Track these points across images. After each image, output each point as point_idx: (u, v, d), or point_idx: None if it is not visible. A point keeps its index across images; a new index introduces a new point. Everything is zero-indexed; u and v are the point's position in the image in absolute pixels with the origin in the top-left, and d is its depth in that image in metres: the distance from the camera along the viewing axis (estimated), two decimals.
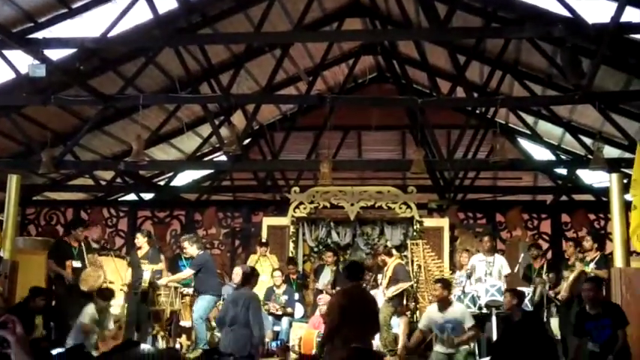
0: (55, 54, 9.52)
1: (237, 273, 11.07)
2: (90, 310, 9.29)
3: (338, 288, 10.79)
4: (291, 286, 11.10)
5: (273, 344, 9.87)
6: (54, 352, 4.49)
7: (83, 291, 9.79)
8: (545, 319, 9.70)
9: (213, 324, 10.16)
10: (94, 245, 12.28)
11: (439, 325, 8.36)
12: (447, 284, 8.80)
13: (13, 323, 2.48)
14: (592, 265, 9.57)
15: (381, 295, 9.73)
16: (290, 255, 11.94)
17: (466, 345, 8.43)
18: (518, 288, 9.67)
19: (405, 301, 10.27)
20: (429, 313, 8.67)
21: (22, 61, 9.11)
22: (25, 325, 2.47)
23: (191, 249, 9.99)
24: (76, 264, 9.99)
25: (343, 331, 6.50)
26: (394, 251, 10.69)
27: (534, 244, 11.53)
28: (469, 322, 8.37)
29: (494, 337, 9.14)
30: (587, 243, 9.97)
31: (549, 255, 12.74)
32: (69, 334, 9.15)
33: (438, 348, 8.41)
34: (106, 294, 9.65)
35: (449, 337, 8.30)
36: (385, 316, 9.36)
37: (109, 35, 9.13)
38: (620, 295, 8.10)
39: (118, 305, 10.73)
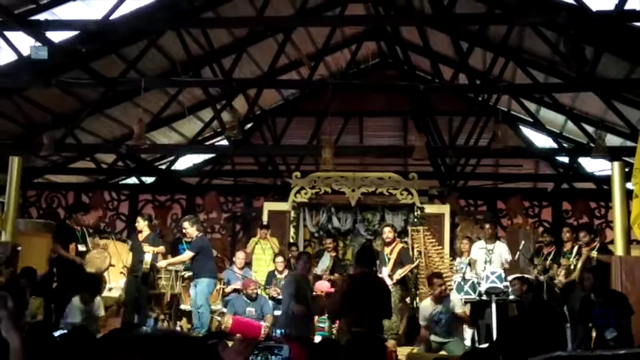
0: (57, 36, 9.49)
1: (240, 257, 11.16)
2: (74, 305, 8.53)
3: (336, 274, 10.85)
4: (292, 271, 11.10)
5: (278, 332, 9.89)
6: (56, 334, 4.50)
7: (87, 274, 9.73)
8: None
9: (213, 307, 10.21)
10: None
11: (434, 317, 8.49)
12: (443, 279, 8.99)
13: (4, 298, 2.46)
14: (594, 252, 9.62)
15: (387, 280, 9.73)
16: (291, 240, 11.97)
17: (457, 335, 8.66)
18: (525, 275, 9.79)
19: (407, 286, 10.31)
20: (424, 307, 8.79)
21: (24, 43, 9.07)
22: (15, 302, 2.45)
23: (191, 229, 10.00)
24: (81, 247, 9.97)
25: (348, 316, 6.67)
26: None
27: (547, 229, 11.52)
28: (459, 309, 8.63)
29: (494, 324, 9.20)
30: (585, 238, 9.95)
31: None
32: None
33: (432, 337, 8.55)
34: (94, 287, 8.94)
35: (442, 327, 8.46)
36: (395, 300, 9.36)
37: (112, 18, 9.08)
38: (621, 283, 8.13)
39: (119, 288, 10.78)
